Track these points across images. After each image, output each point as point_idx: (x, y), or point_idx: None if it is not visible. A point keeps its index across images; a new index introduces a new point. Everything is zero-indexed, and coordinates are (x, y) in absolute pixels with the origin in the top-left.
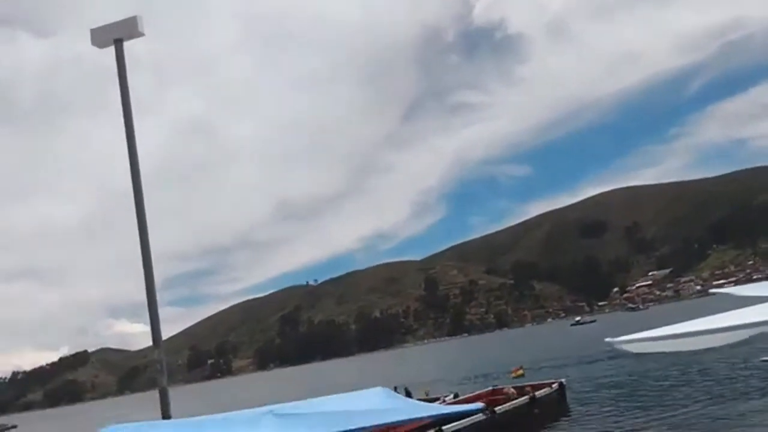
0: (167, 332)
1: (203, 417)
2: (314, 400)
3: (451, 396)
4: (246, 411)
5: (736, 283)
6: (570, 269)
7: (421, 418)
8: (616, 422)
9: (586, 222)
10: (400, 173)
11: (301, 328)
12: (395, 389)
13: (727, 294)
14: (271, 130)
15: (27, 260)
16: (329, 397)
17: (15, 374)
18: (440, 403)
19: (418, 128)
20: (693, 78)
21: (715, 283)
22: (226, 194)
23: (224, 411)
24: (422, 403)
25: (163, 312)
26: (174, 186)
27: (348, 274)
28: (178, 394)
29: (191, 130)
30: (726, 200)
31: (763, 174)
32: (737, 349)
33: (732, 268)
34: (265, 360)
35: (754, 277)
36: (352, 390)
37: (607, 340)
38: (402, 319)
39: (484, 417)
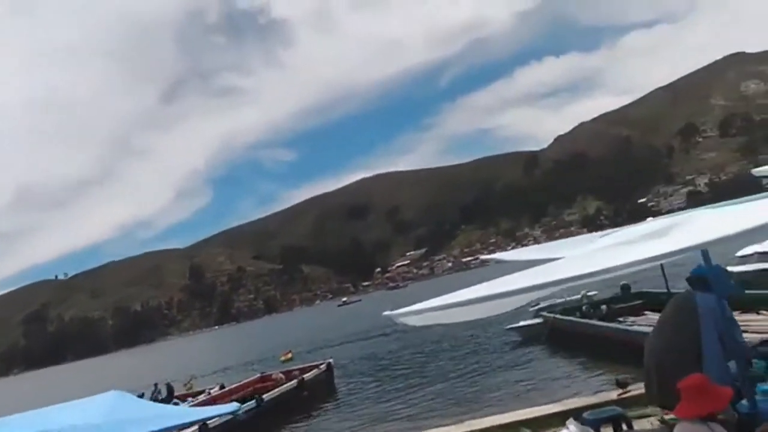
0: None
1: None
2: (20, 415)
3: (217, 387)
4: None
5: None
6: (336, 252)
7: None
8: (380, 397)
9: (351, 206)
10: (161, 156)
11: (49, 327)
12: (155, 386)
13: (498, 260)
14: (10, 107)
15: None
16: (40, 410)
17: None
18: (206, 396)
19: (181, 109)
20: (445, 71)
21: (464, 260)
22: None
23: None
24: (167, 407)
25: None
26: None
27: (103, 266)
28: None
29: None
30: (472, 185)
31: (503, 161)
32: (485, 318)
33: (478, 245)
34: (8, 364)
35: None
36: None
37: (386, 313)
38: (165, 311)
39: (255, 405)
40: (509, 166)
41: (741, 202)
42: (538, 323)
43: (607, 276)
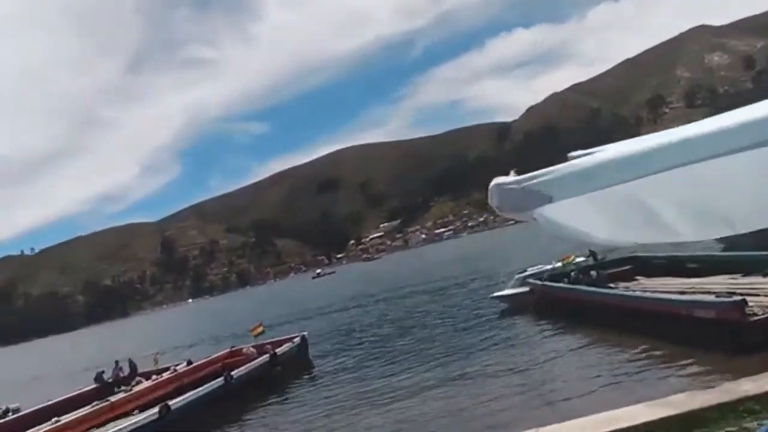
0: None
1: None
2: None
3: (184, 363)
4: None
5: (455, 231)
6: (309, 225)
7: None
8: (359, 373)
9: (322, 179)
10: (128, 129)
11: (16, 304)
12: (116, 364)
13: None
14: None
15: None
16: None
17: None
18: (171, 373)
19: (147, 81)
20: (415, 42)
21: (436, 231)
22: None
23: None
24: None
25: None
26: None
27: (71, 241)
28: None
29: None
30: (444, 156)
31: (475, 132)
32: (472, 286)
33: (451, 217)
34: None
35: (470, 224)
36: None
37: (498, 181)
38: (137, 285)
39: (223, 382)
40: (481, 137)
41: None
42: (524, 292)
43: None
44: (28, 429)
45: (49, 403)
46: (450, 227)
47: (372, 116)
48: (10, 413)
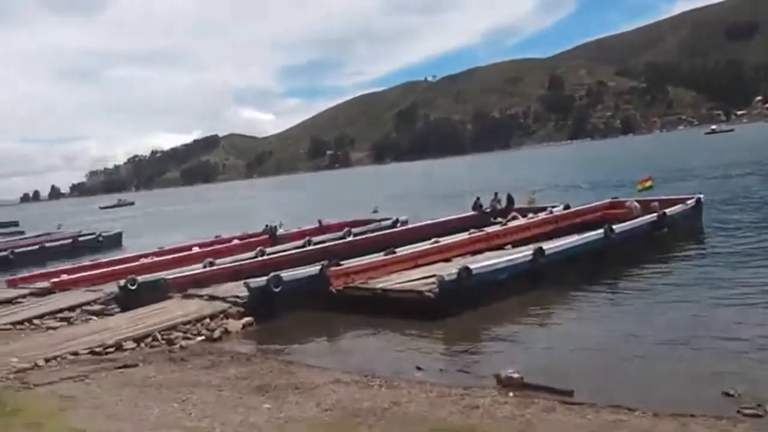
0: (289, 122)
1: None
2: None
3: (561, 207)
4: None
5: None
6: (710, 74)
7: None
8: (762, 250)
9: (735, 22)
10: None
11: (417, 125)
12: (495, 195)
13: None
14: None
15: (156, 44)
16: None
17: (154, 153)
18: (547, 214)
19: None
20: None
21: None
22: None
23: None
24: None
25: (284, 102)
26: None
27: (467, 71)
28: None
29: None
30: None
31: None
32: None
33: None
34: (381, 154)
35: None
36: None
37: None
38: (521, 120)
39: (602, 235)
40: None
41: None
42: None
43: None
44: (410, 243)
45: (430, 222)
46: None
47: None
48: (398, 224)
